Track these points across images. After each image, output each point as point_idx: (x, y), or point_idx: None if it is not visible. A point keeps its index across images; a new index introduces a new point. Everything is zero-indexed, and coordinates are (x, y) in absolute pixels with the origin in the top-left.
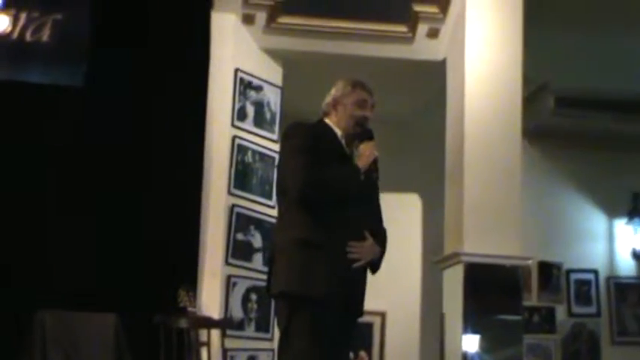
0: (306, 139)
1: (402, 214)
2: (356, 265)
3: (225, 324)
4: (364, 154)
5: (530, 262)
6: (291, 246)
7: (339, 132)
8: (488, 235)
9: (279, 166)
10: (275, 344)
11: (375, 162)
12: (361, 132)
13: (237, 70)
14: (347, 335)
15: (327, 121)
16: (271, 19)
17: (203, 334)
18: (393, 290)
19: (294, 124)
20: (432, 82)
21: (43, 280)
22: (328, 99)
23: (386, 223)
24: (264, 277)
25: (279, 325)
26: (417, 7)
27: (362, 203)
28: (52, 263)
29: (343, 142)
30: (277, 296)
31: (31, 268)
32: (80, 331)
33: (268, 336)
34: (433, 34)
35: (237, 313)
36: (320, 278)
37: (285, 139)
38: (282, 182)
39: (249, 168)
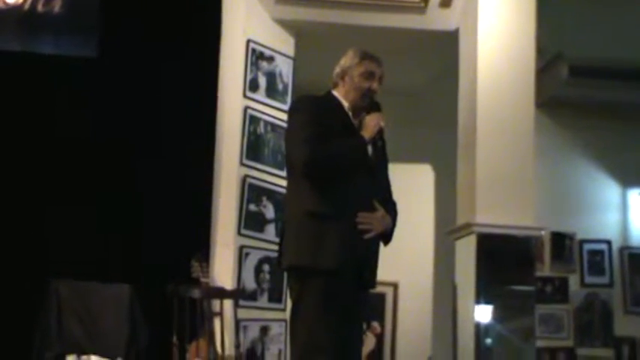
0: (311, 112)
1: (414, 184)
2: (367, 236)
3: (238, 294)
4: (369, 124)
5: (543, 232)
6: (300, 218)
7: (346, 104)
8: (500, 206)
9: (286, 140)
10: (287, 315)
11: (380, 132)
12: (368, 104)
13: (248, 41)
14: (359, 307)
15: (334, 92)
16: None
17: (216, 305)
18: (406, 261)
19: (300, 97)
20: (444, 52)
21: (58, 251)
22: (337, 69)
23: (398, 194)
24: (277, 248)
25: (291, 297)
26: None
27: (370, 175)
28: (67, 234)
29: (350, 114)
30: (288, 269)
31: (45, 239)
32: (95, 300)
33: (281, 306)
34: (446, 3)
35: (249, 283)
36: (329, 250)
37: (291, 112)
38: (289, 156)
39: (261, 139)
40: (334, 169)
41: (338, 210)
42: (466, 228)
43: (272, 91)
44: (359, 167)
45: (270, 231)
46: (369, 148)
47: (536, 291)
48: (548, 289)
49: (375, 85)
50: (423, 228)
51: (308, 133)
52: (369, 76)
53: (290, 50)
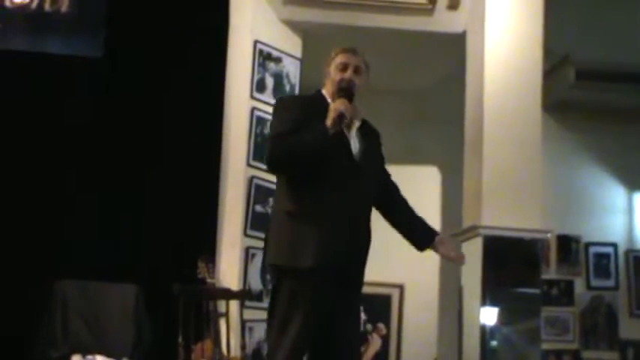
0: (287, 111)
1: (421, 186)
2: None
3: (244, 295)
4: (330, 110)
5: (549, 235)
6: (279, 218)
7: (329, 100)
8: (507, 208)
9: None
10: None
11: (340, 117)
12: (344, 93)
13: (256, 42)
14: (345, 307)
15: (322, 91)
16: None
17: (222, 306)
18: (411, 263)
19: (281, 97)
20: (451, 54)
21: (65, 252)
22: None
23: (405, 195)
24: None
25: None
26: None
27: (353, 171)
28: (74, 235)
29: None
30: (267, 268)
31: (52, 239)
32: (100, 300)
33: None
34: (453, 5)
35: (255, 284)
36: (306, 249)
37: (272, 113)
38: None
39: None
40: (295, 162)
41: (315, 209)
42: (472, 230)
43: (279, 92)
44: (325, 154)
45: None
46: (356, 144)
47: (542, 293)
48: (554, 291)
49: (347, 75)
50: None
51: (276, 131)
52: (343, 67)
53: (297, 51)
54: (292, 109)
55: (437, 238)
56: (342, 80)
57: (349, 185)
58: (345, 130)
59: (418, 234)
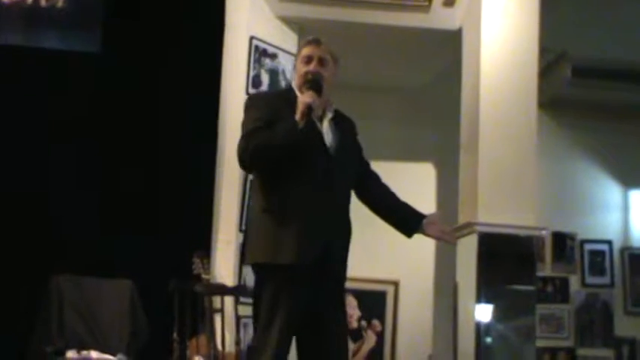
0: (256, 109)
1: (416, 183)
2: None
3: (239, 291)
4: (298, 104)
5: (544, 232)
6: (257, 216)
7: (299, 93)
8: (502, 205)
9: None
10: None
11: (308, 109)
12: (310, 85)
13: (252, 38)
14: (330, 303)
15: (293, 84)
16: None
17: (217, 301)
18: (407, 259)
19: (251, 94)
20: (447, 51)
21: (60, 247)
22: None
23: (400, 192)
24: None
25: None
26: None
27: (328, 164)
28: (69, 230)
29: None
30: (251, 266)
31: (48, 235)
32: (96, 296)
33: None
34: (449, 2)
35: (250, 280)
36: (285, 246)
37: (243, 111)
38: None
39: None
40: (267, 158)
41: (292, 204)
42: (467, 227)
43: (275, 88)
44: (297, 148)
45: None
46: (330, 136)
47: (537, 291)
48: (549, 289)
49: (312, 67)
50: None
51: (246, 129)
52: (307, 60)
53: (293, 47)
54: (262, 106)
55: (424, 220)
56: (307, 73)
57: (325, 178)
58: (317, 123)
59: (403, 219)
